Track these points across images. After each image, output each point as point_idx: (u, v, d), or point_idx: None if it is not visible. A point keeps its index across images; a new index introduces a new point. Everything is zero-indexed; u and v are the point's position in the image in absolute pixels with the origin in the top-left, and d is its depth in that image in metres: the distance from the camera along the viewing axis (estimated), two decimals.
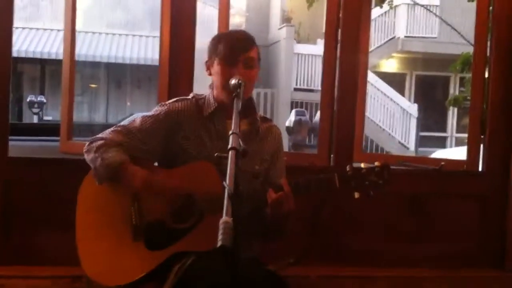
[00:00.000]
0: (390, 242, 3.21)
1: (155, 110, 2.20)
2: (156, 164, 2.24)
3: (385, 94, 14.26)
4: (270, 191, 1.96)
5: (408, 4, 14.39)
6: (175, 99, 2.23)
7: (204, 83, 2.34)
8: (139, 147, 2.12)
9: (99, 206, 2.10)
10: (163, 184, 2.03)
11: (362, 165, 2.01)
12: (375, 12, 12.68)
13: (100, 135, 2.14)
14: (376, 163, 2.01)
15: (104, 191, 2.08)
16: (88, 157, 2.10)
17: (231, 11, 3.35)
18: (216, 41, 2.17)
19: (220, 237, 1.24)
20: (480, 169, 3.42)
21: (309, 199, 2.00)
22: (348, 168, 2.00)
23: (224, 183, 1.40)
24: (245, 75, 2.06)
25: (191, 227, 2.00)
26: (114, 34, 14.45)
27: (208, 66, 2.19)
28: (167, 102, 2.22)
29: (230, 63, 2.08)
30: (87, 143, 2.14)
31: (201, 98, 2.22)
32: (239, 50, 2.10)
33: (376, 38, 14.48)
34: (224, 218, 1.29)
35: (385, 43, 14.95)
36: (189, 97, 2.24)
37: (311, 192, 2.01)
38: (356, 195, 1.98)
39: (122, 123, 2.23)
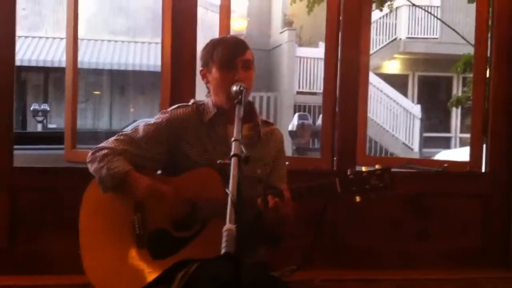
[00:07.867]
0: (394, 243, 3.21)
1: (157, 117, 2.19)
2: (159, 172, 2.24)
3: (388, 96, 14.26)
4: (269, 197, 1.95)
5: (409, 5, 14.38)
6: (176, 106, 2.23)
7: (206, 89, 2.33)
8: (142, 155, 2.12)
9: (103, 214, 2.10)
10: (166, 192, 2.03)
11: (363, 168, 2.01)
12: (376, 14, 12.68)
13: (102, 144, 2.13)
14: (377, 166, 2.00)
15: (108, 199, 2.07)
16: (92, 167, 2.09)
17: (232, 15, 3.35)
18: (211, 47, 2.16)
19: (223, 244, 1.24)
20: (483, 169, 3.42)
21: (312, 204, 2.00)
22: (349, 172, 1.99)
23: (226, 190, 1.41)
24: (244, 76, 2.08)
25: (194, 235, 2.00)
26: (116, 41, 14.49)
27: (204, 74, 2.19)
28: (168, 110, 2.22)
29: (229, 66, 2.09)
30: (90, 152, 2.13)
31: (201, 104, 2.22)
32: (236, 53, 2.11)
33: (378, 39, 14.49)
34: (228, 225, 1.29)
35: (387, 44, 14.97)
36: (190, 103, 2.24)
37: (313, 197, 2.00)
38: (358, 199, 1.97)
39: (124, 131, 2.23)
